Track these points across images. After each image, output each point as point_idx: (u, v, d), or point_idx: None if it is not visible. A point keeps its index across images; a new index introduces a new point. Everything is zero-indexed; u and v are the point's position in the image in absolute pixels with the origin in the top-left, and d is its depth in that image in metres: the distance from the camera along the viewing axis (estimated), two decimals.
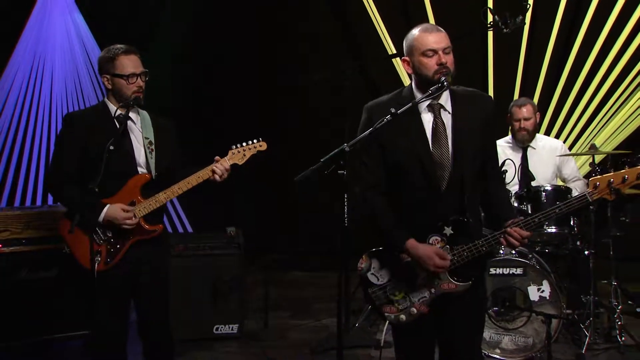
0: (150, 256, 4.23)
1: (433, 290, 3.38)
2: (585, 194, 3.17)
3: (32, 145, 7.85)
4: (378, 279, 3.47)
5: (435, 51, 3.33)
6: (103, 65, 4.18)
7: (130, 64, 4.13)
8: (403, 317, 3.42)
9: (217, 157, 4.21)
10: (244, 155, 4.28)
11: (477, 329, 3.61)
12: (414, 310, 3.40)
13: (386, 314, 3.46)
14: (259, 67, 8.77)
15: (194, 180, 4.17)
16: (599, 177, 3.16)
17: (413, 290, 3.40)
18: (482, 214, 3.65)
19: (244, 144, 4.31)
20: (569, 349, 5.56)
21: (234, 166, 4.24)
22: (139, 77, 4.15)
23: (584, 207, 3.09)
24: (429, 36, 3.34)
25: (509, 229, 3.26)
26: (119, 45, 4.19)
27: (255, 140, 4.33)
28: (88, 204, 4.03)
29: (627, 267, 6.48)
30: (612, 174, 3.15)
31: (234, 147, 4.30)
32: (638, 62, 7.48)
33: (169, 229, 4.50)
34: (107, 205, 4.05)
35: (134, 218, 4.07)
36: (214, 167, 4.17)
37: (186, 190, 4.19)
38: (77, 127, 4.23)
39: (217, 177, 4.18)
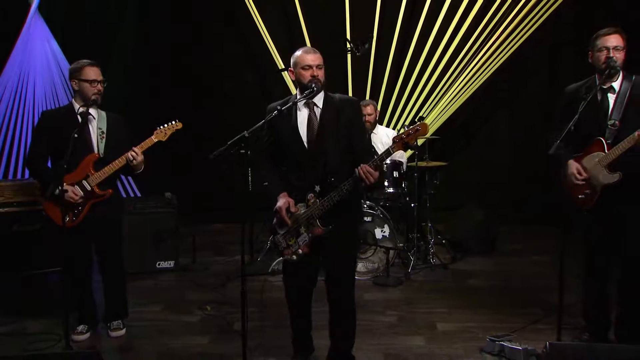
0: (106, 213, 4.06)
1: (310, 235, 3.31)
2: (389, 147, 3.22)
3: (20, 134, 7.31)
4: (280, 230, 3.39)
5: (310, 66, 3.29)
6: (72, 72, 4.01)
7: (93, 73, 3.98)
8: (294, 257, 3.35)
9: (133, 147, 4.00)
10: (165, 133, 4.11)
11: (347, 260, 3.51)
12: (300, 251, 3.34)
13: (285, 256, 3.38)
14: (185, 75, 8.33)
15: (118, 162, 3.98)
16: (396, 135, 3.24)
17: (299, 236, 3.34)
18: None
19: (165, 125, 4.13)
20: (401, 270, 5.63)
21: (159, 142, 4.08)
22: (99, 83, 3.98)
23: (389, 155, 3.14)
24: (307, 55, 3.31)
25: (358, 168, 3.17)
26: (85, 60, 4.03)
27: (173, 122, 4.16)
28: (54, 175, 3.85)
29: (438, 214, 6.61)
30: (402, 132, 3.22)
31: (158, 127, 4.12)
32: (447, 73, 7.56)
33: (123, 194, 4.30)
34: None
35: (77, 195, 3.93)
36: (127, 154, 3.97)
37: (118, 168, 3.99)
38: (48, 122, 4.03)
39: (129, 160, 3.97)
